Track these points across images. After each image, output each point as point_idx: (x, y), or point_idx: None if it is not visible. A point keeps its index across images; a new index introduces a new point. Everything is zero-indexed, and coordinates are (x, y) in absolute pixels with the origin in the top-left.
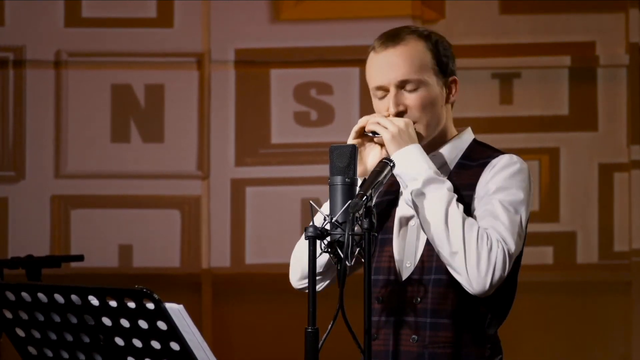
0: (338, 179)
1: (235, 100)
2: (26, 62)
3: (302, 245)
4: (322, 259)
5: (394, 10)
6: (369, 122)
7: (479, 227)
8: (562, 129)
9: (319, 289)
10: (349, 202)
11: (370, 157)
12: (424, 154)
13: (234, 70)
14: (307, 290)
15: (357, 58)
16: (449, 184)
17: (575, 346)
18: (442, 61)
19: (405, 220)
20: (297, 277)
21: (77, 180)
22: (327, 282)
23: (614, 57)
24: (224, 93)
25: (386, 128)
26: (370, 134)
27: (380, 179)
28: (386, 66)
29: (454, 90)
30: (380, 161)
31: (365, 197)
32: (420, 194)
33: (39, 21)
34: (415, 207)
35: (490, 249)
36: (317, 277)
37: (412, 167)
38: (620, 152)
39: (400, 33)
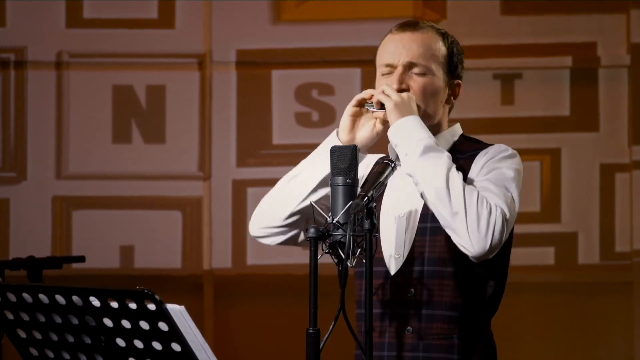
0: (339, 180)
1: (237, 101)
2: (27, 63)
3: (268, 195)
4: (284, 213)
5: (395, 11)
6: (376, 93)
7: (478, 192)
8: (563, 129)
9: (272, 243)
10: (350, 203)
11: (362, 129)
12: (424, 125)
13: (235, 71)
14: (263, 240)
15: (358, 59)
16: (448, 153)
17: (577, 347)
18: (453, 61)
19: (393, 212)
20: (257, 224)
21: (78, 181)
22: (285, 237)
23: (615, 57)
24: (226, 94)
25: (390, 97)
26: (371, 109)
27: (381, 179)
28: (400, 46)
29: (456, 93)
30: (382, 162)
31: (366, 197)
32: (421, 158)
33: (40, 22)
34: (417, 171)
35: (490, 212)
36: (274, 230)
37: (413, 135)
38: (621, 152)
39: (420, 23)
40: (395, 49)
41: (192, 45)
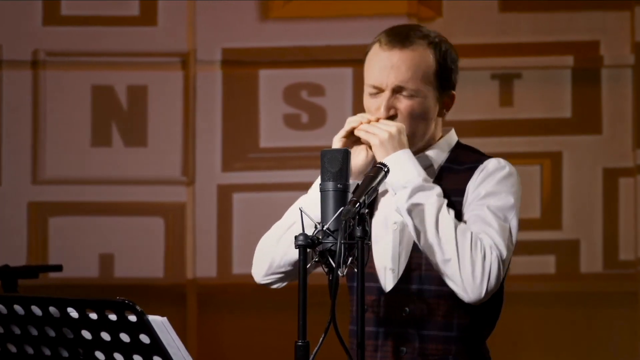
0: (330, 185)
1: (222, 102)
2: (2, 62)
3: (267, 239)
4: (291, 258)
5: (389, 8)
6: (359, 128)
7: (472, 233)
8: (564, 132)
9: (280, 286)
10: (341, 209)
11: (356, 158)
12: (414, 159)
13: (221, 70)
14: (272, 286)
15: (350, 58)
16: (438, 189)
17: None
18: (445, 75)
19: (386, 223)
20: (263, 272)
21: (55, 186)
22: (294, 276)
23: (618, 57)
24: (210, 95)
25: (375, 135)
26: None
27: (374, 184)
28: (388, 67)
29: (449, 105)
30: (374, 166)
31: (358, 203)
32: (409, 201)
33: (16, 19)
34: (406, 215)
35: (484, 257)
36: (281, 275)
37: (401, 174)
38: (625, 156)
39: (411, 35)
40: (384, 69)
41: (175, 44)
